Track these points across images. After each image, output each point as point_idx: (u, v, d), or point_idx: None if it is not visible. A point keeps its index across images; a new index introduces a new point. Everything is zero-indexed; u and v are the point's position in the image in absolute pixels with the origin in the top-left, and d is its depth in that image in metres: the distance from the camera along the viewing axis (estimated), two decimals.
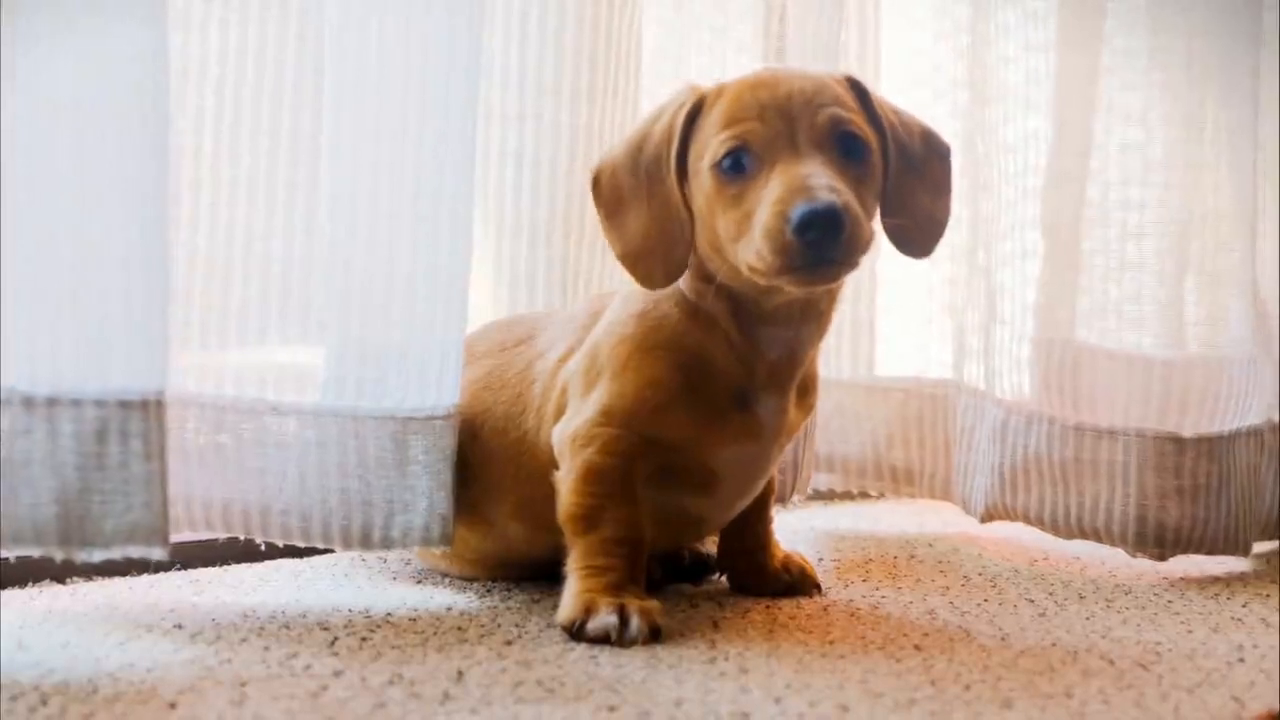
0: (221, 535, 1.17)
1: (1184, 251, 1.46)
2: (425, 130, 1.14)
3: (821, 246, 0.99)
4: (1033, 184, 1.48)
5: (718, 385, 1.11)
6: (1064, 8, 1.47)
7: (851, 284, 1.59)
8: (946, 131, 1.53)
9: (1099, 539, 1.42)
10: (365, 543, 1.16)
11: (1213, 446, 1.41)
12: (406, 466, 1.15)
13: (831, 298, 1.14)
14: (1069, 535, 1.44)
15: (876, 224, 1.10)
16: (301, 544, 1.17)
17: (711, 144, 1.06)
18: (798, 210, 0.99)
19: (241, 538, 1.17)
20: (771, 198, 1.01)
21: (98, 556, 0.99)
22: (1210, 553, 1.41)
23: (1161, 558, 1.41)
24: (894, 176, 1.11)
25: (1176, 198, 1.46)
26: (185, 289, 1.15)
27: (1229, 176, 1.47)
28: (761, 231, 1.01)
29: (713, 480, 1.14)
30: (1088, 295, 1.48)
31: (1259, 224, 1.53)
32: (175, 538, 1.26)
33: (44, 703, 0.87)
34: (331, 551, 1.31)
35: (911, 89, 1.61)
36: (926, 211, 1.13)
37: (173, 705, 0.87)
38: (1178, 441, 1.40)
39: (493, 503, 1.19)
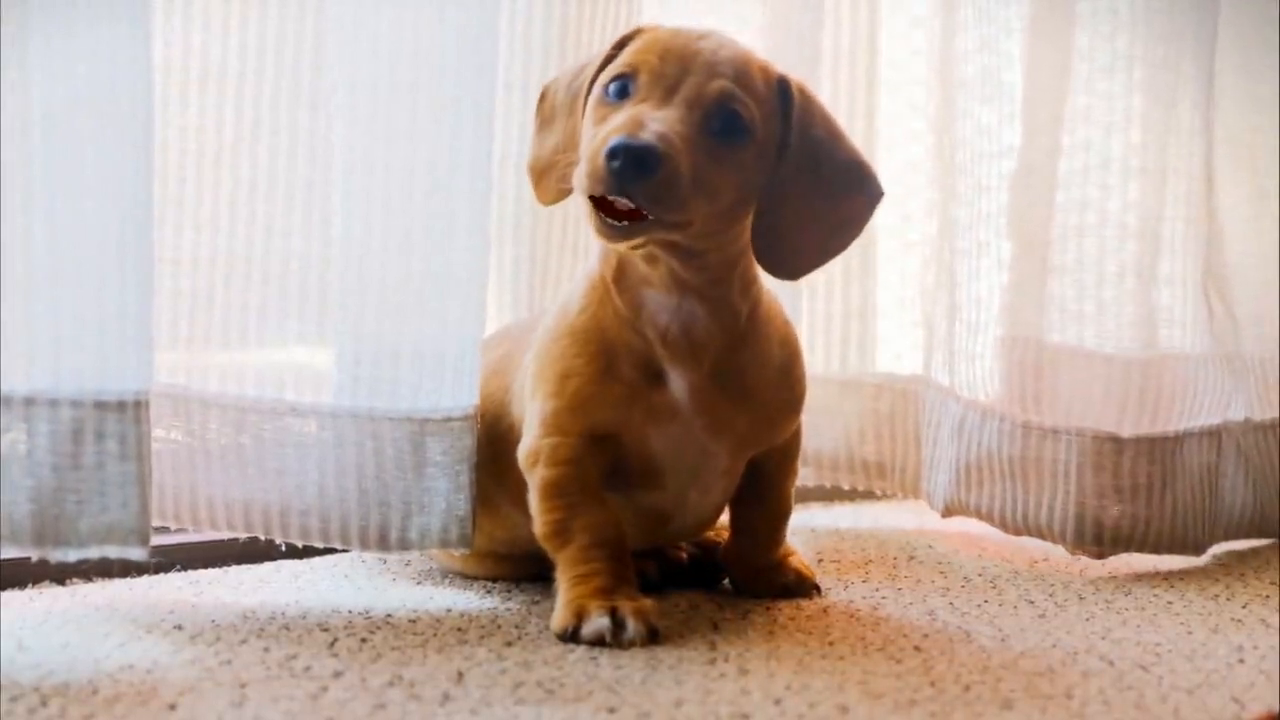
0: (243, 535, 1.18)
1: (1146, 252, 1.46)
2: (440, 127, 1.14)
3: (624, 180, 1.00)
4: (1001, 188, 1.47)
5: (623, 359, 1.11)
6: (1035, 14, 1.46)
7: (837, 277, 1.60)
8: (932, 129, 1.56)
9: (1042, 536, 1.43)
10: (383, 544, 1.16)
11: (1154, 446, 1.41)
12: (423, 468, 1.16)
13: (709, 276, 1.10)
14: (1017, 532, 1.44)
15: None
16: (321, 544, 1.18)
17: (611, 68, 1.08)
18: (615, 139, 1.00)
19: (243, 537, 1.18)
20: (610, 124, 1.03)
21: (73, 556, 0.99)
22: (1155, 552, 1.41)
23: (1100, 556, 1.41)
24: (781, 183, 1.09)
25: (1140, 199, 1.45)
26: (208, 290, 1.16)
27: (1187, 178, 1.47)
28: (587, 151, 1.03)
29: (655, 470, 1.13)
30: (1051, 294, 1.47)
31: (1225, 224, 1.53)
32: (183, 538, 1.27)
33: (44, 704, 0.87)
34: (334, 552, 1.30)
35: (907, 86, 1.61)
36: (796, 233, 1.10)
37: (173, 706, 0.87)
38: (1116, 441, 1.40)
39: (496, 486, 1.20)
